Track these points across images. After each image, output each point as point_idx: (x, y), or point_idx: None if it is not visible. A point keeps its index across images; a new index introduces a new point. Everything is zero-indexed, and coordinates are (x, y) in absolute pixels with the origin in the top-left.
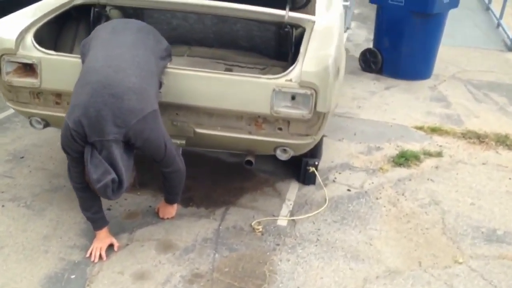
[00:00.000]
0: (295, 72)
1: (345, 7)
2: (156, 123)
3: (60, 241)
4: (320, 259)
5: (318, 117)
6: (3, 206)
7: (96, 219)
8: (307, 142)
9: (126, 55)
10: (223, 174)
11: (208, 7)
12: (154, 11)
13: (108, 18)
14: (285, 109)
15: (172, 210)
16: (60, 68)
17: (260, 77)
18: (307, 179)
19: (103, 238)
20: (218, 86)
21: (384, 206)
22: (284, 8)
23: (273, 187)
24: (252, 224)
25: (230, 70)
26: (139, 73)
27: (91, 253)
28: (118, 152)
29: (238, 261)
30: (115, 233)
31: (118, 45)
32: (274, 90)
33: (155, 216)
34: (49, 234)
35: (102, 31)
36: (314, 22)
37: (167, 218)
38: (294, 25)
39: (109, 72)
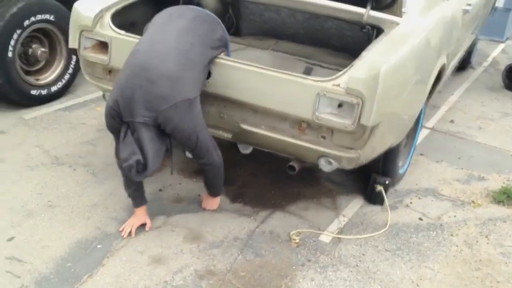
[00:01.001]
0: (345, 77)
1: (465, 11)
2: (189, 113)
3: (105, 211)
4: (349, 287)
5: (364, 131)
6: (74, 169)
7: (135, 197)
8: (352, 156)
9: (170, 41)
10: (285, 176)
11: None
12: (249, 2)
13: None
14: (328, 116)
15: (214, 202)
16: (128, 48)
17: (306, 78)
18: (374, 198)
19: (139, 216)
20: (263, 83)
21: (456, 245)
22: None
23: (332, 199)
24: (291, 233)
25: (310, 70)
26: (178, 60)
27: (123, 228)
28: (147, 135)
29: (259, 268)
30: (154, 214)
31: (167, 31)
32: (318, 94)
33: (198, 205)
34: (99, 203)
35: (160, 16)
36: (397, 24)
37: (209, 210)
38: (374, 26)
39: (148, 56)
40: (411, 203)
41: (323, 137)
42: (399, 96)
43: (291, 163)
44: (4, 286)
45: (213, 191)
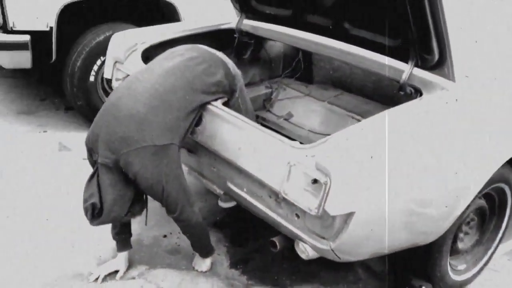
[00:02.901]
0: (323, 147)
1: None
2: (154, 160)
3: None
4: None
5: (333, 219)
6: None
7: (117, 240)
8: (323, 248)
9: (150, 81)
10: None
11: (325, 48)
12: None
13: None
14: (296, 192)
15: (202, 263)
16: None
17: (283, 141)
18: None
19: (116, 261)
20: (242, 139)
21: None
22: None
23: None
24: None
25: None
26: (150, 102)
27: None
28: (107, 179)
29: None
30: (139, 261)
31: (155, 69)
32: (289, 163)
33: (192, 262)
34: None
35: (163, 54)
36: (442, 90)
37: (197, 270)
38: (416, 88)
39: (123, 94)
40: None
41: (297, 216)
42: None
43: (273, 238)
44: None
45: (197, 251)
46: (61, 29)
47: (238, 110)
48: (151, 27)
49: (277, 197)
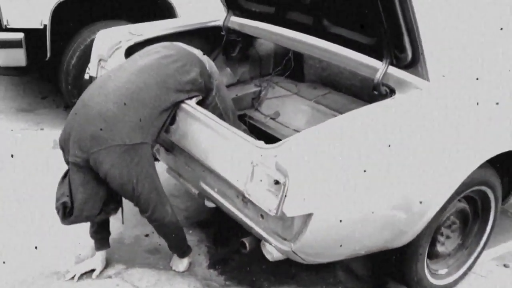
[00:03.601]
0: (284, 147)
1: None
2: (124, 160)
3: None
4: None
5: (292, 219)
6: None
7: (95, 239)
8: (285, 249)
9: (122, 79)
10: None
11: (308, 46)
12: None
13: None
14: (258, 193)
15: (179, 263)
16: None
17: (248, 140)
18: None
19: (94, 260)
20: (209, 136)
21: None
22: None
23: None
24: None
25: None
26: (120, 100)
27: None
28: (78, 178)
29: None
30: (117, 260)
31: (128, 68)
32: (252, 163)
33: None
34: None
35: (139, 52)
36: (416, 89)
37: (174, 270)
38: (390, 88)
39: (95, 93)
40: None
41: (262, 217)
42: (359, 187)
43: (243, 239)
44: None
45: (174, 251)
46: (56, 27)
47: (215, 108)
48: (138, 24)
49: (244, 198)
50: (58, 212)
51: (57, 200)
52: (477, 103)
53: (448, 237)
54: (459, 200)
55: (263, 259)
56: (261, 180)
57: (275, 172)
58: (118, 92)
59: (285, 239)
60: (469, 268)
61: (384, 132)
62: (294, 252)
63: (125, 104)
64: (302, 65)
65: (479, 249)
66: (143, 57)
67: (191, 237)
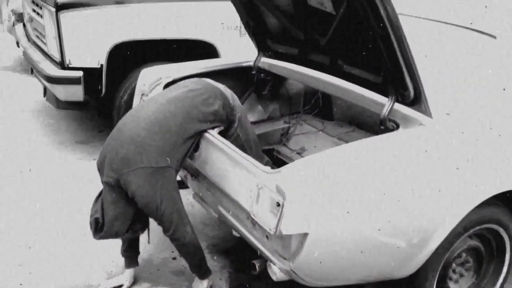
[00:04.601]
0: (287, 171)
1: None
2: (150, 181)
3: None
4: None
5: (290, 239)
6: None
7: (124, 256)
8: (285, 268)
9: (152, 108)
10: None
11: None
12: None
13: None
14: (262, 213)
15: (200, 285)
16: None
17: (257, 166)
18: None
19: (122, 276)
20: (223, 163)
21: None
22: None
23: None
24: None
25: None
26: (150, 127)
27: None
28: (109, 196)
29: None
30: (144, 279)
31: (159, 99)
32: (257, 185)
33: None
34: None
35: (171, 86)
36: (419, 125)
37: None
38: (396, 123)
39: (128, 120)
40: None
41: (267, 237)
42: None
43: (253, 261)
44: None
45: (194, 272)
46: (111, 67)
47: (237, 139)
48: (177, 63)
49: (252, 219)
50: (91, 227)
51: (91, 216)
52: (478, 140)
53: (461, 275)
54: (471, 238)
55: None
56: (265, 202)
57: (276, 194)
58: (148, 120)
59: (285, 258)
60: None
61: (383, 162)
62: (293, 271)
63: (153, 131)
64: (331, 104)
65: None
66: (172, 90)
67: (215, 263)
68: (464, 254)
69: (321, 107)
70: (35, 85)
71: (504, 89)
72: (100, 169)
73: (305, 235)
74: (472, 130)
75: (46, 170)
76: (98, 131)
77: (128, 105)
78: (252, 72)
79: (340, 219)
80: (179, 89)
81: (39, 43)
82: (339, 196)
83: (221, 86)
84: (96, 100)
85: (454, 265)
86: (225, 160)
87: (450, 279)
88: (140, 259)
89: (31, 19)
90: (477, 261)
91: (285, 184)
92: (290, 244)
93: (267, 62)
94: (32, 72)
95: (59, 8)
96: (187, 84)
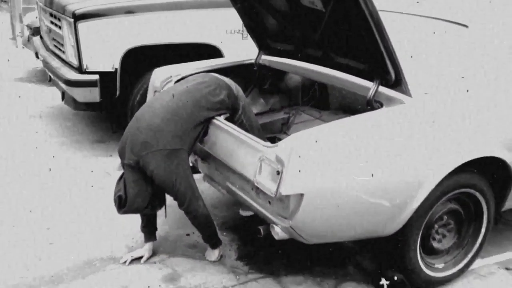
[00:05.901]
0: (282, 145)
1: None
2: (165, 162)
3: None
4: None
5: (288, 199)
6: None
7: (144, 232)
8: (284, 226)
9: (166, 99)
10: (317, 249)
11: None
12: None
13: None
14: (263, 181)
15: (211, 253)
16: None
17: (257, 142)
18: None
19: (142, 249)
20: (230, 143)
21: None
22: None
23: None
24: None
25: None
26: (164, 115)
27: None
28: (131, 176)
29: None
30: (161, 251)
31: (171, 91)
32: (259, 158)
33: None
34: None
35: (182, 80)
36: (400, 103)
37: (208, 260)
38: (381, 103)
39: (145, 111)
40: None
41: (269, 203)
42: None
43: (259, 226)
44: None
45: (206, 241)
46: (125, 70)
47: (241, 125)
48: (186, 63)
49: (256, 189)
50: (115, 204)
51: (115, 194)
52: (451, 116)
53: (444, 235)
54: (450, 202)
55: (284, 256)
56: (266, 172)
57: (276, 164)
58: (162, 109)
59: (285, 218)
60: (466, 266)
61: (369, 134)
62: (292, 229)
63: (168, 118)
64: (327, 95)
65: (475, 249)
66: (183, 84)
67: (225, 237)
68: (445, 217)
69: (318, 99)
70: (50, 93)
71: (474, 72)
72: (122, 154)
73: (301, 195)
74: (446, 107)
75: (69, 165)
76: (112, 132)
77: (141, 105)
78: (254, 69)
79: (330, 182)
80: (189, 82)
81: (57, 51)
82: (329, 163)
83: (226, 79)
84: (111, 102)
85: (436, 226)
86: (231, 140)
87: (434, 239)
88: (157, 235)
89: (49, 30)
90: (458, 223)
91: (283, 154)
92: (289, 205)
93: (267, 59)
94: (50, 79)
95: (77, 18)
96: (195, 78)
